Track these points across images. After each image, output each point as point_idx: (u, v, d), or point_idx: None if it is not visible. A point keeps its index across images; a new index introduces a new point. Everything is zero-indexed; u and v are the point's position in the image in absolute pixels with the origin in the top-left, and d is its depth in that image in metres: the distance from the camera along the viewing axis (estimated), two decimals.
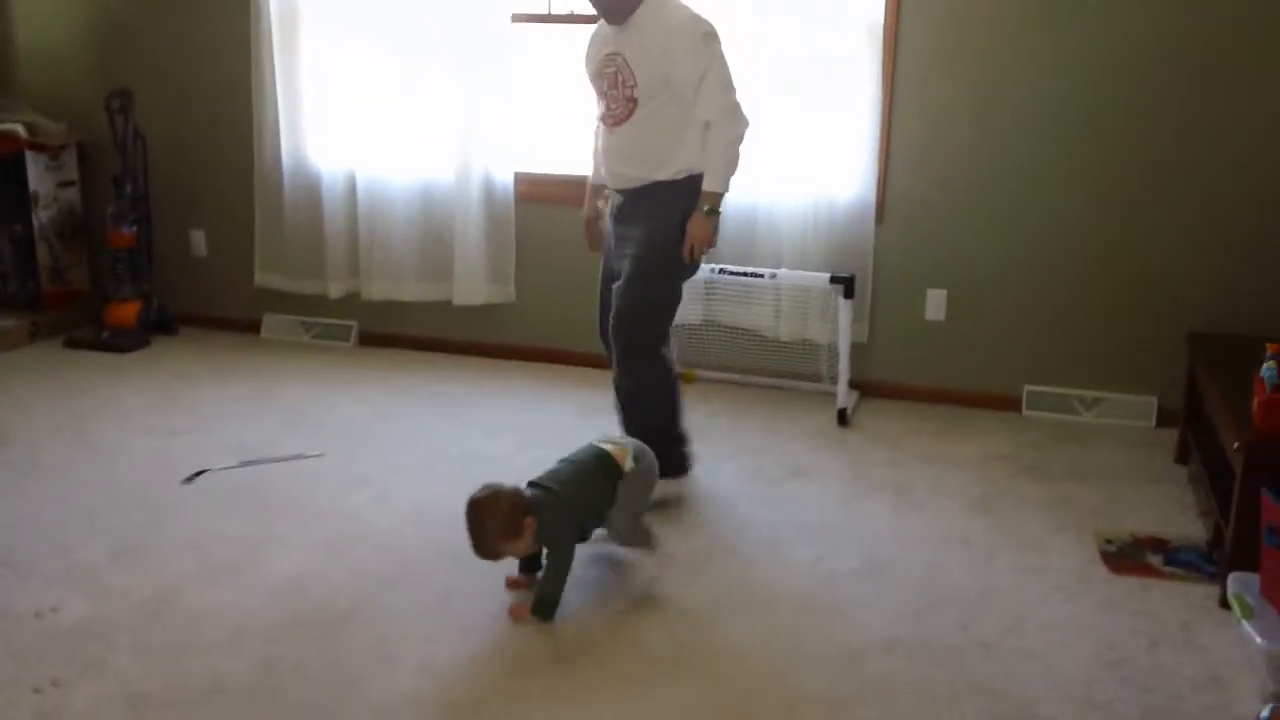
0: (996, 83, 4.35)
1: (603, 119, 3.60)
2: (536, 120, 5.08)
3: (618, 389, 3.68)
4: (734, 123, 3.46)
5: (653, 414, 3.66)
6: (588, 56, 3.63)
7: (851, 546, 3.43)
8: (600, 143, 3.68)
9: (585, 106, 5.02)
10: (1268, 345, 3.11)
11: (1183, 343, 4.06)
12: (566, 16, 4.89)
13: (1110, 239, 4.37)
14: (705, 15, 3.43)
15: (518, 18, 4.84)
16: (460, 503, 3.63)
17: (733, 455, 4.10)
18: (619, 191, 3.63)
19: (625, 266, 3.58)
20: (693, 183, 3.52)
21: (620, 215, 3.65)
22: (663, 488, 3.54)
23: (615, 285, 3.60)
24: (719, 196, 3.51)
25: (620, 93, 3.49)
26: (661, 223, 3.53)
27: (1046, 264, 4.45)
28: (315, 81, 5.07)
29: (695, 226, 3.50)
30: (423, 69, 4.91)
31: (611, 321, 3.61)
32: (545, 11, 4.91)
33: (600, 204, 3.82)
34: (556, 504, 2.97)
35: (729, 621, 2.99)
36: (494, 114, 4.89)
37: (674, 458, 3.68)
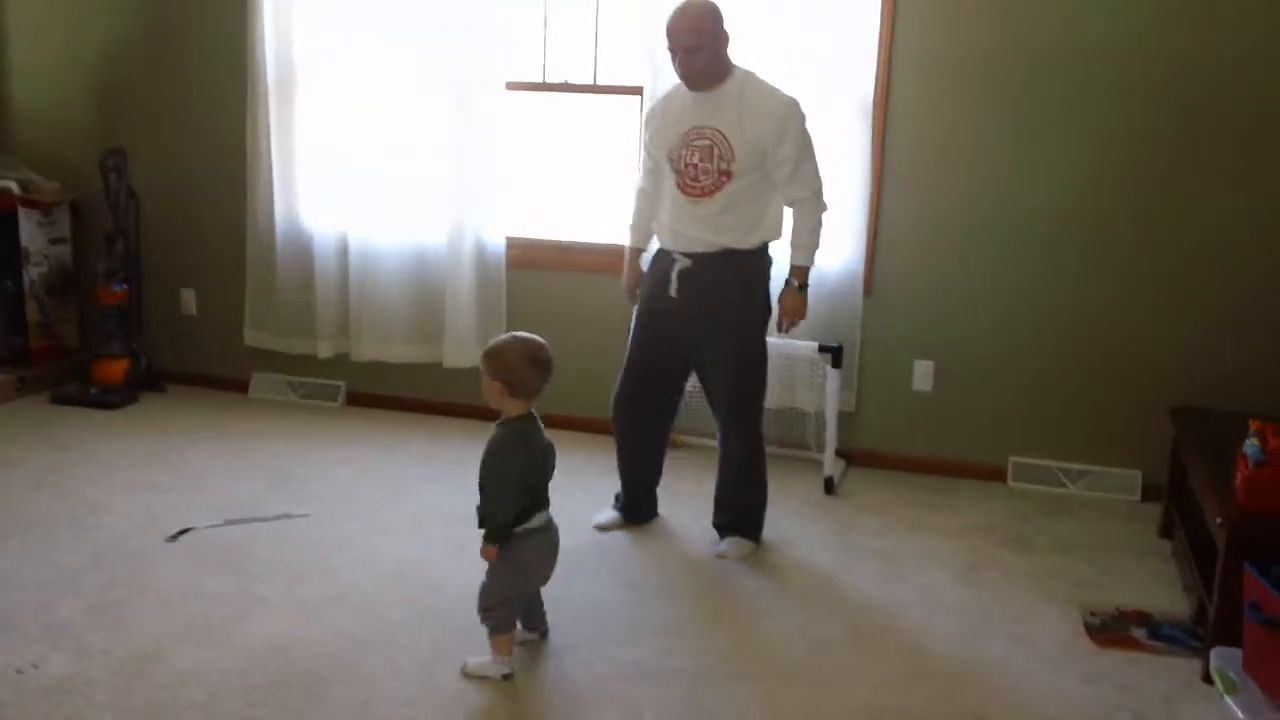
0: (984, 161, 4.43)
1: (681, 188, 3.65)
2: (529, 186, 5.14)
3: (729, 458, 3.86)
4: (821, 205, 3.70)
5: (762, 483, 3.90)
6: (662, 124, 3.72)
7: (838, 615, 3.43)
8: (671, 209, 3.71)
9: (579, 173, 5.10)
10: (1250, 422, 3.13)
11: (1166, 417, 4.09)
12: (560, 85, 4.96)
13: (1094, 313, 4.42)
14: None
15: (512, 85, 4.91)
16: (444, 565, 3.63)
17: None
18: (687, 255, 3.69)
19: (725, 347, 3.70)
20: (765, 250, 3.73)
21: (689, 279, 3.69)
22: (749, 548, 3.85)
23: (721, 371, 3.74)
24: (808, 271, 3.74)
25: (714, 165, 3.58)
26: (750, 297, 3.73)
27: (1032, 337, 4.50)
28: (310, 144, 5.13)
29: (791, 301, 3.74)
30: (417, 134, 4.97)
31: (727, 401, 3.77)
32: (539, 80, 4.98)
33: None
34: (510, 439, 2.96)
35: (716, 690, 2.97)
36: (487, 179, 4.94)
37: (760, 523, 3.93)
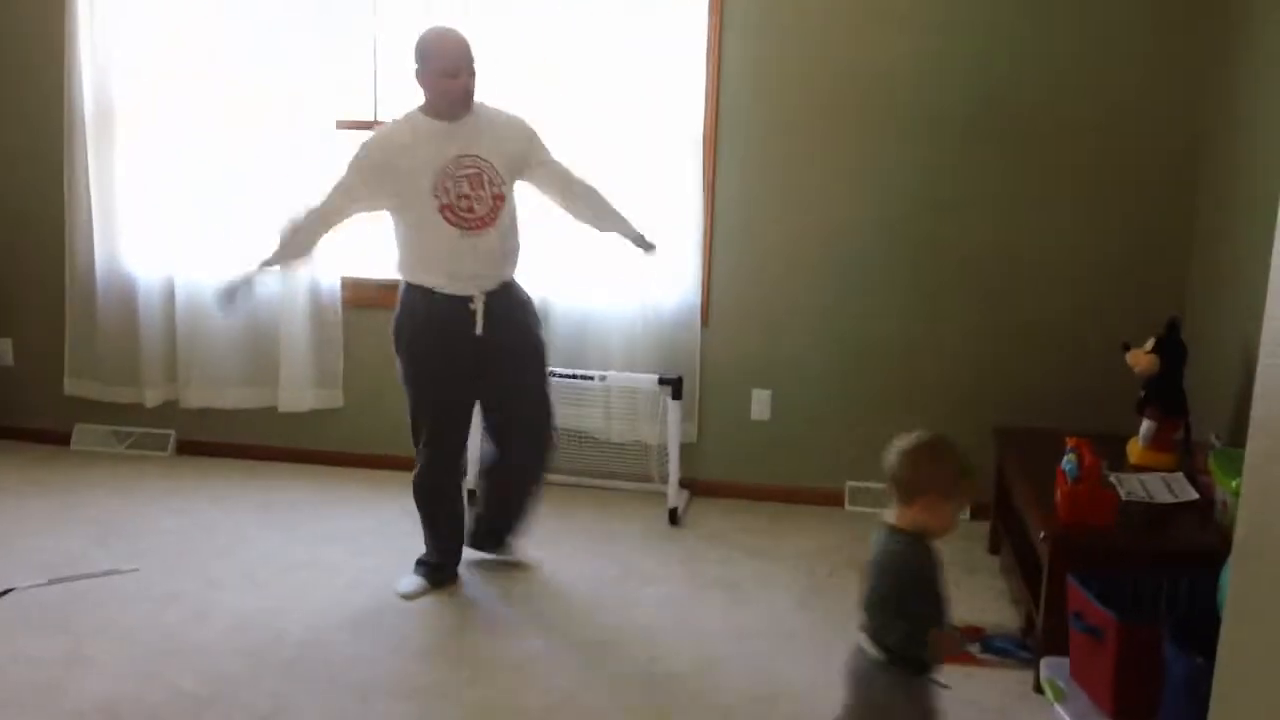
0: (811, 194, 4.54)
1: (454, 223, 3.53)
2: (361, 225, 5.04)
3: (524, 478, 3.89)
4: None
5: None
6: (416, 161, 3.51)
7: (685, 645, 3.46)
8: (447, 253, 3.57)
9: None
10: (1067, 439, 3.29)
11: (989, 437, 4.26)
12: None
13: (919, 340, 4.58)
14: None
15: (342, 124, 4.84)
16: (284, 614, 3.55)
17: (566, 557, 4.09)
18: (482, 293, 3.62)
19: (527, 375, 3.78)
20: None
21: (489, 315, 3.63)
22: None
23: (526, 397, 3.80)
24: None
25: (487, 192, 3.56)
26: (537, 323, 3.84)
27: (862, 364, 4.63)
28: (132, 184, 4.94)
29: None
30: (246, 173, 4.84)
31: (535, 424, 3.83)
32: (371, 118, 4.92)
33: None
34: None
35: None
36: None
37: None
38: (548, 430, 3.88)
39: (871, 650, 2.43)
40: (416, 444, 3.78)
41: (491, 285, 3.64)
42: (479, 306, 3.62)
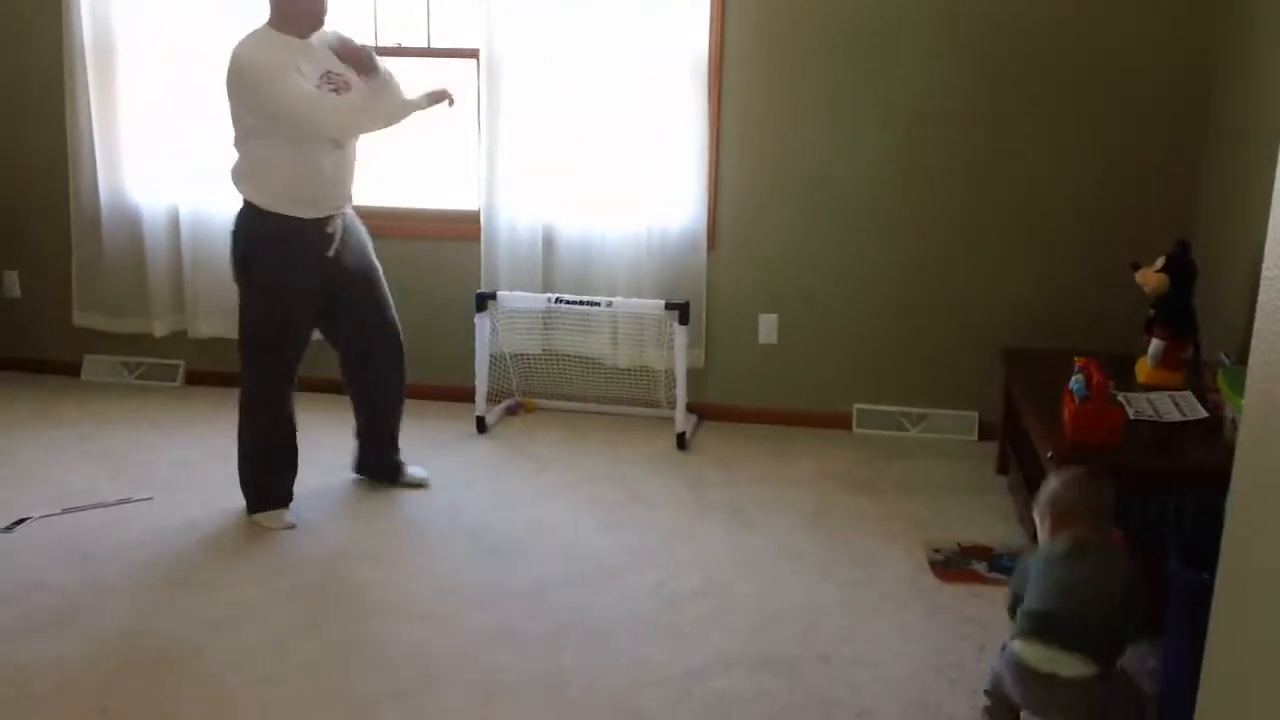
0: (817, 117, 4.50)
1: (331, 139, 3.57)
2: (366, 152, 5.01)
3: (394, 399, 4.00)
4: None
5: None
6: (298, 73, 3.45)
7: (691, 568, 3.49)
8: (325, 169, 3.55)
9: (416, 139, 4.98)
10: (1075, 359, 3.28)
11: (998, 359, 4.26)
12: (395, 49, 4.86)
13: (926, 263, 4.56)
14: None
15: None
16: (295, 542, 3.57)
17: (574, 483, 4.12)
18: (338, 215, 3.67)
19: (379, 295, 3.87)
20: None
21: (344, 236, 3.69)
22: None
23: (380, 309, 3.87)
24: None
25: None
26: (369, 241, 3.87)
27: (870, 288, 4.62)
28: (134, 114, 4.92)
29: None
30: None
31: (393, 328, 3.90)
32: (372, 43, 4.86)
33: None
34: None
35: (573, 647, 3.01)
36: None
37: None
38: (399, 333, 3.95)
39: (1084, 668, 2.40)
40: (258, 376, 3.76)
41: (346, 204, 3.70)
42: (337, 229, 3.64)
